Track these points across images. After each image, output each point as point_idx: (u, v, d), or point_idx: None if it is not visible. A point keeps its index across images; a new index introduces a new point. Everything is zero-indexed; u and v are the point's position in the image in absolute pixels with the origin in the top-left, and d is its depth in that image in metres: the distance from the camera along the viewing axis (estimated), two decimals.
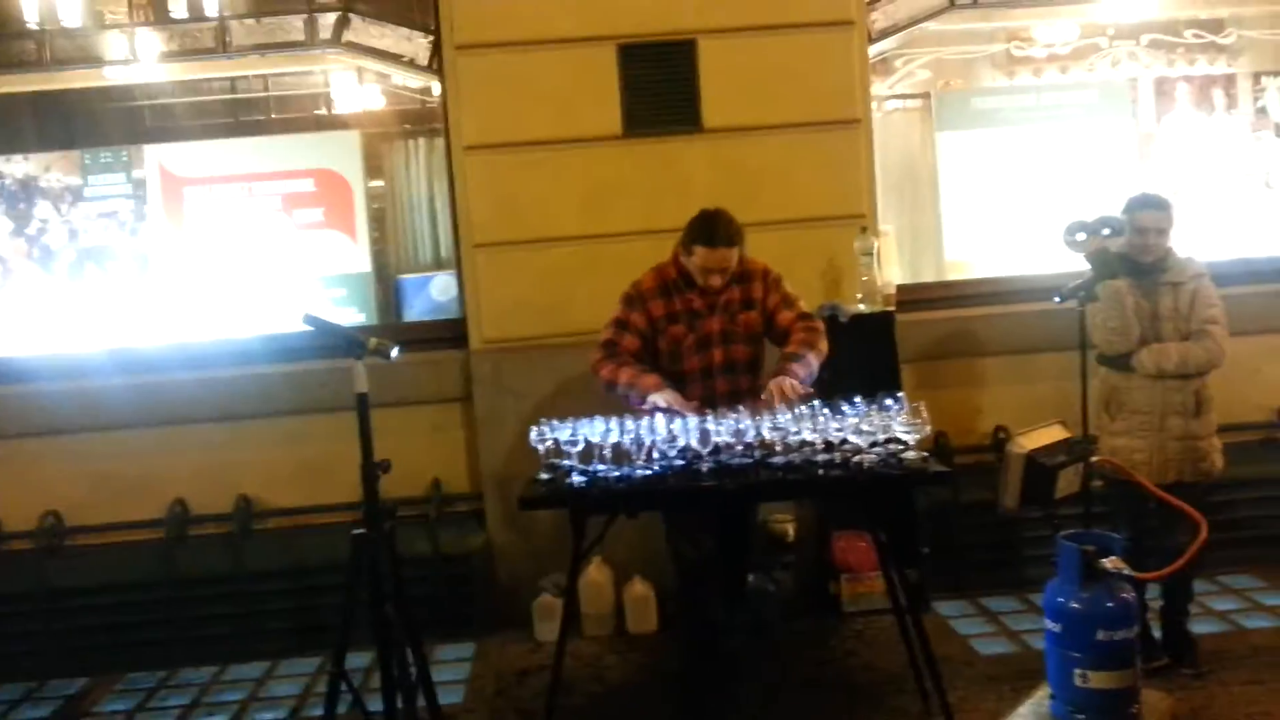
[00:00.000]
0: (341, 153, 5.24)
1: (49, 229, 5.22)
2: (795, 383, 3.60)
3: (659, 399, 3.57)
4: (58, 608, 4.64)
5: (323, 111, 7.95)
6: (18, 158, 5.29)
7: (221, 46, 5.09)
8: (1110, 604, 2.95)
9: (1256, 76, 5.78)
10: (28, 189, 5.24)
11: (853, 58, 4.90)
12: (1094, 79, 5.82)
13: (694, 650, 3.85)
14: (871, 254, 4.72)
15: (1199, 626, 4.11)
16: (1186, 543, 3.28)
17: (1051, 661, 3.03)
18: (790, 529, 4.75)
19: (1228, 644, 4.13)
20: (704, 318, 3.77)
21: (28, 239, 5.22)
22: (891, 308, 4.75)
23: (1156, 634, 3.94)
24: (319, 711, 3.41)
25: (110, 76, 5.56)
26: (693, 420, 3.40)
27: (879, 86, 5.58)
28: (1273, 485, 4.98)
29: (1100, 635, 2.93)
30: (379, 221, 5.42)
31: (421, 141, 5.49)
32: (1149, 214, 3.89)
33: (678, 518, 3.71)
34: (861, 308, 4.69)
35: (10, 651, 4.61)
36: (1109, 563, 2.98)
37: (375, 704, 3.41)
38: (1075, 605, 2.97)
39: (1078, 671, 2.95)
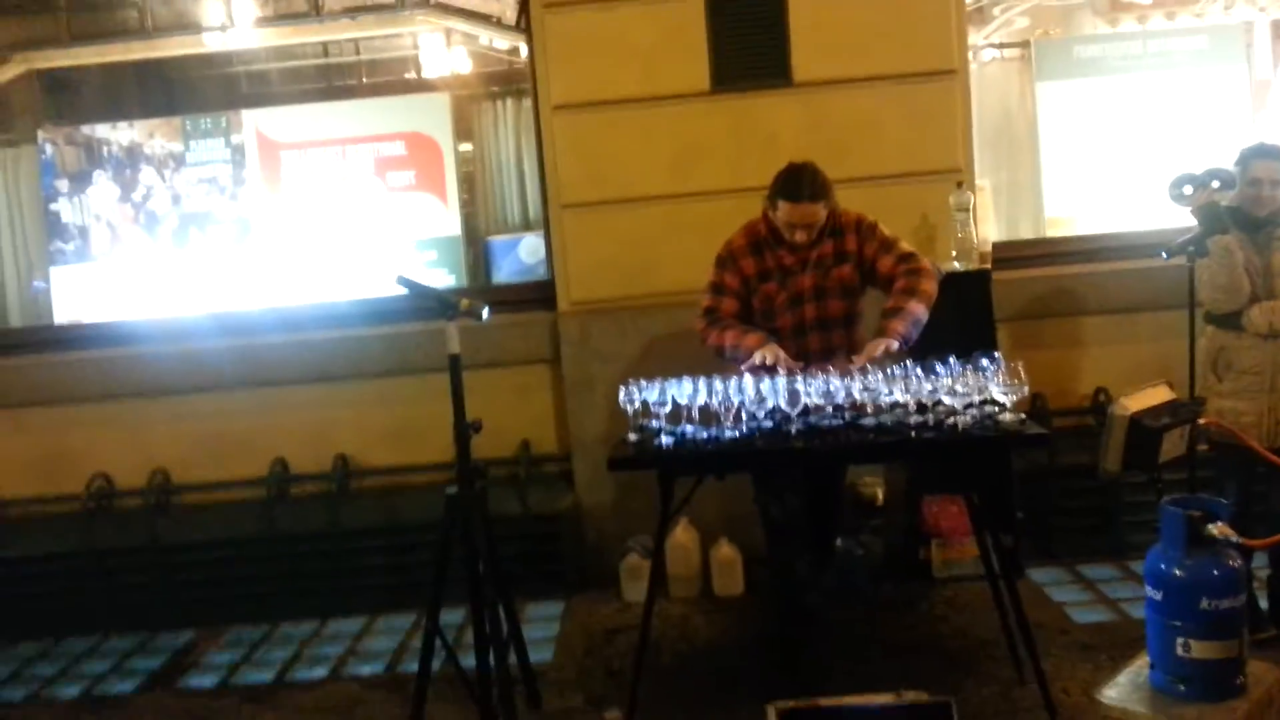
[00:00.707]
0: (431, 115, 5.30)
1: (153, 194, 5.40)
2: (886, 347, 3.52)
3: (760, 355, 3.53)
4: (167, 562, 4.84)
5: (412, 75, 8.06)
6: (123, 125, 5.46)
7: (314, 10, 5.16)
8: (1216, 571, 2.83)
9: None
10: (133, 155, 5.41)
11: (949, 5, 4.73)
12: (1204, 24, 5.54)
13: (782, 610, 3.85)
14: (967, 210, 4.58)
15: None
16: None
17: (1152, 630, 2.93)
18: (879, 492, 4.69)
19: None
20: (795, 274, 3.70)
21: (134, 205, 5.40)
22: (988, 266, 4.61)
23: (1263, 604, 3.81)
24: (414, 666, 3.50)
25: (208, 43, 5.70)
26: (781, 381, 3.36)
27: (975, 36, 5.40)
28: None
29: (1205, 604, 2.82)
30: (468, 183, 5.47)
31: (509, 102, 5.51)
32: (1264, 164, 3.70)
33: (765, 478, 3.69)
34: (956, 266, 4.56)
35: (124, 603, 4.83)
36: (1216, 529, 2.85)
37: (468, 659, 3.50)
38: (1179, 573, 2.86)
39: (1180, 641, 2.84)
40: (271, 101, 7.29)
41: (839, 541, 4.48)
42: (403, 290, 3.42)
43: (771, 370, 3.48)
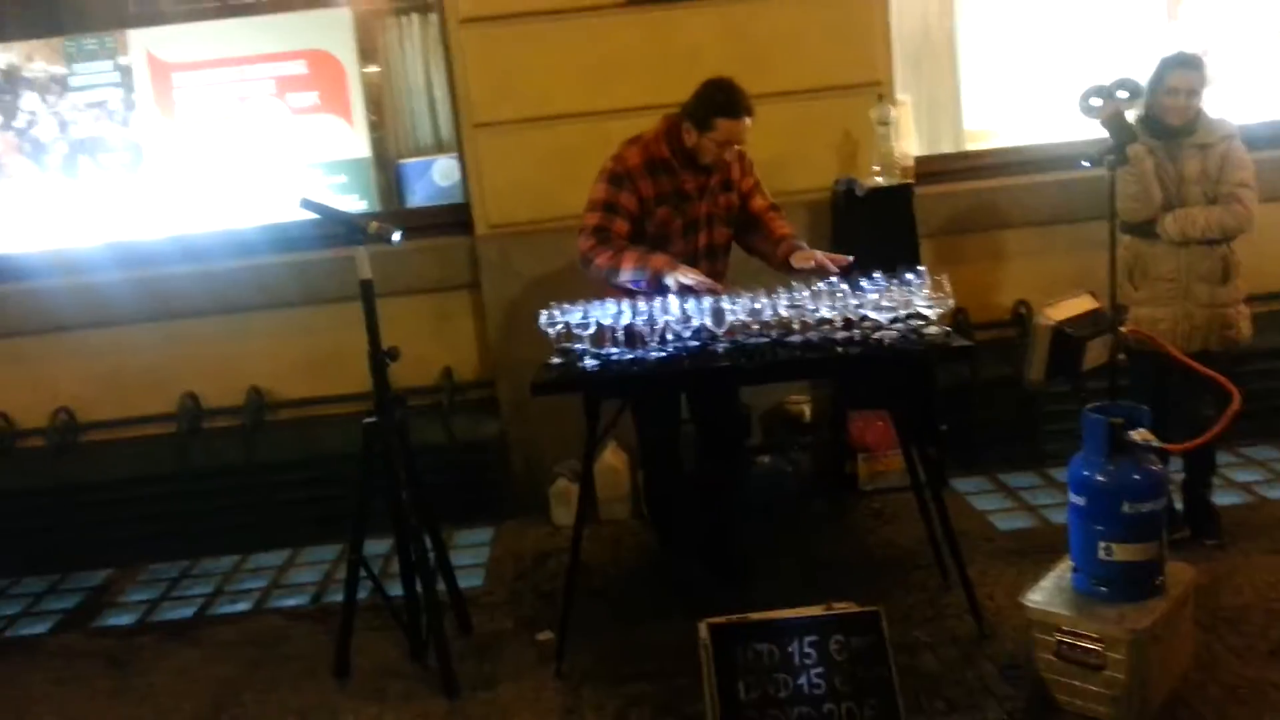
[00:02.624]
0: (333, 32, 5.02)
1: (38, 121, 5.06)
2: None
3: (680, 278, 3.42)
4: (76, 502, 4.66)
5: None
6: None
7: None
8: (1137, 476, 2.90)
9: None
10: (12, 80, 5.06)
11: None
12: None
13: (662, 530, 3.98)
14: (888, 124, 4.54)
15: (1221, 498, 4.09)
16: (1212, 415, 3.22)
17: (1075, 535, 3.00)
18: (806, 410, 4.71)
19: (1249, 515, 4.12)
20: (693, 200, 3.62)
21: (17, 133, 5.06)
22: (910, 180, 4.59)
23: (1178, 506, 3.93)
24: (340, 597, 3.44)
25: None
26: (707, 300, 3.30)
27: None
28: None
29: (1126, 508, 2.89)
30: (377, 104, 5.23)
31: (416, 18, 5.25)
32: (1183, 74, 3.70)
33: (644, 399, 3.65)
34: (879, 181, 4.54)
35: (32, 546, 4.65)
36: (1137, 435, 2.91)
37: (396, 588, 3.45)
38: (1101, 478, 2.92)
39: (1102, 544, 2.91)
40: (163, 21, 6.85)
41: (767, 459, 4.53)
42: (308, 214, 3.28)
43: (688, 291, 3.40)
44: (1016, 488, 4.63)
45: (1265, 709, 2.87)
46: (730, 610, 2.89)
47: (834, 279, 3.39)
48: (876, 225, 4.48)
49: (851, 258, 3.51)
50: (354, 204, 5.00)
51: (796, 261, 3.57)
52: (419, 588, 3.32)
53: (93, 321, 4.74)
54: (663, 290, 3.41)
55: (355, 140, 5.03)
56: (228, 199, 4.98)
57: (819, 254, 3.56)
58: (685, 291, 3.39)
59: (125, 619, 4.14)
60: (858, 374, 4.14)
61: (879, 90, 4.63)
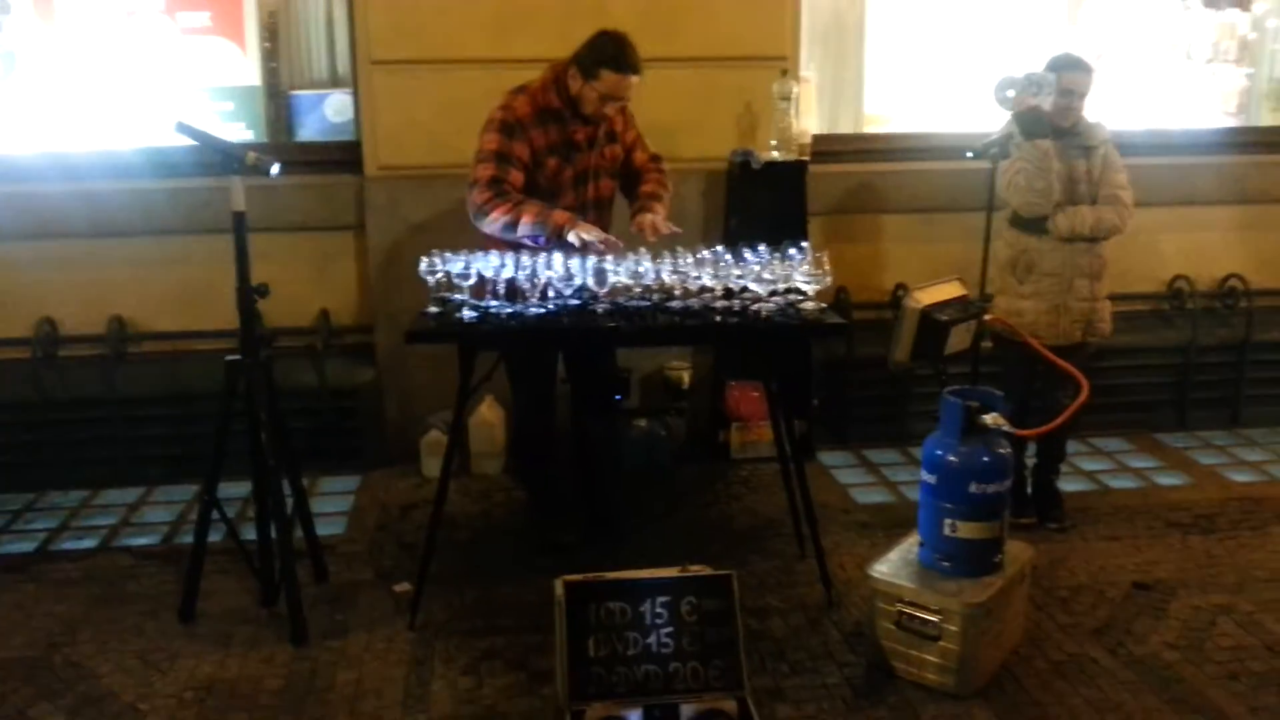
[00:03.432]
0: None
1: None
2: (663, 220, 3.57)
3: (582, 234, 3.38)
4: None
5: None
6: None
7: None
8: (986, 458, 3.01)
9: None
10: None
11: None
12: None
13: (531, 487, 3.99)
14: (790, 99, 4.57)
15: (1067, 484, 4.28)
16: (1067, 403, 3.35)
17: (924, 511, 3.10)
18: (686, 376, 4.75)
19: (1093, 502, 4.31)
20: (583, 152, 3.59)
21: None
22: (806, 158, 4.64)
23: (1029, 490, 4.09)
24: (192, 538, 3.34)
25: None
26: (591, 260, 3.29)
27: None
28: (1150, 354, 5.13)
29: (973, 488, 2.99)
30: (271, 31, 5.04)
31: None
32: (1074, 76, 3.82)
33: (520, 353, 3.64)
34: (775, 155, 4.57)
35: None
36: (990, 419, 3.02)
37: (252, 533, 3.37)
38: (952, 458, 3.02)
39: (948, 522, 3.02)
40: None
41: (643, 423, 4.55)
42: (184, 139, 3.16)
43: (585, 248, 3.38)
44: (879, 464, 4.76)
45: (1083, 682, 3.03)
46: (592, 568, 2.91)
47: (719, 249, 3.41)
48: (769, 199, 4.52)
49: (679, 229, 3.57)
50: (240, 133, 4.82)
51: (633, 225, 3.61)
52: (274, 532, 3.25)
53: None
54: (563, 246, 3.37)
55: (246, 67, 4.85)
56: (107, 117, 4.75)
57: (648, 219, 3.58)
58: (587, 248, 3.36)
59: None
60: (734, 343, 4.19)
61: (784, 66, 4.64)
